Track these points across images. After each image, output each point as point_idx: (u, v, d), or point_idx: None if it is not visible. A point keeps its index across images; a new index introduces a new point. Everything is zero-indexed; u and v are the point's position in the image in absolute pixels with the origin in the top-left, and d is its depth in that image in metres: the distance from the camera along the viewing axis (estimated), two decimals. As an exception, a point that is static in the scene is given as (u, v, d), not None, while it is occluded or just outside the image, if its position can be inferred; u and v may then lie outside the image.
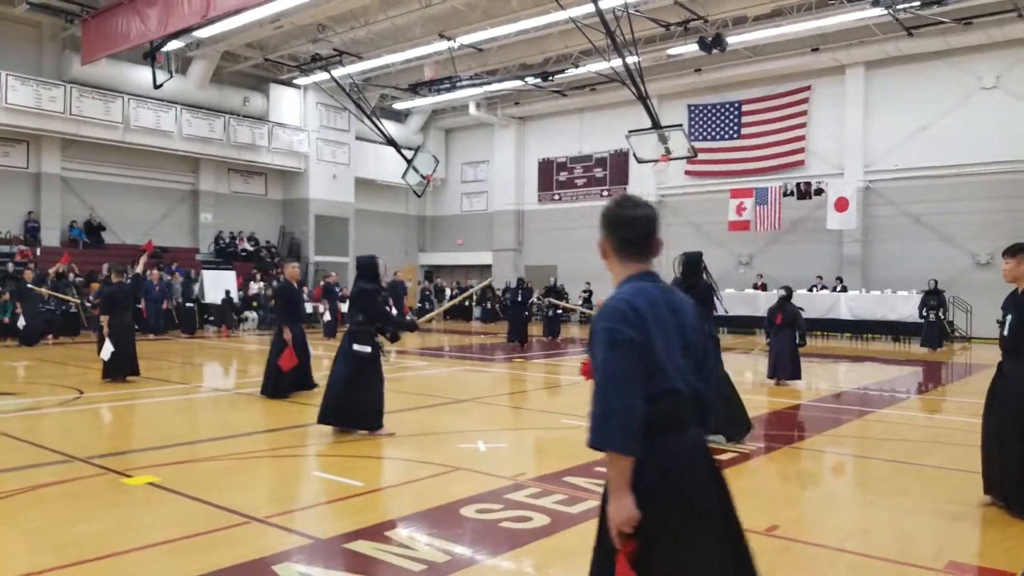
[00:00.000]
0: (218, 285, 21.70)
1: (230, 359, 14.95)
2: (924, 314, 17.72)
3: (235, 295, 21.81)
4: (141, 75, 21.71)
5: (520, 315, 18.22)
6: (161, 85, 20.63)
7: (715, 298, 7.66)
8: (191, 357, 14.88)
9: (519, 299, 18.41)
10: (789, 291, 11.35)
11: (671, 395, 2.23)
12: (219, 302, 21.28)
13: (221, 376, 12.77)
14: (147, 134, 22.47)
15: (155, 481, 5.39)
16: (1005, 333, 5.03)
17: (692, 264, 7.36)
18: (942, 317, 17.78)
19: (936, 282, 17.93)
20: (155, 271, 19.68)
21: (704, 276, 7.45)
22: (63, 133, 21.12)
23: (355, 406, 7.08)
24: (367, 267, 7.45)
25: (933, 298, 17.60)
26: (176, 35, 18.75)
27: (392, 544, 4.18)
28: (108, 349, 10.29)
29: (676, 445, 2.24)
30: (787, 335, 10.94)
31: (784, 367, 10.93)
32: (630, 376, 2.16)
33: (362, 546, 4.14)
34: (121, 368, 10.47)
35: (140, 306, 18.27)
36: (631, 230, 2.36)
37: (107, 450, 6.49)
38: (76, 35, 20.60)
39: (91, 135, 21.49)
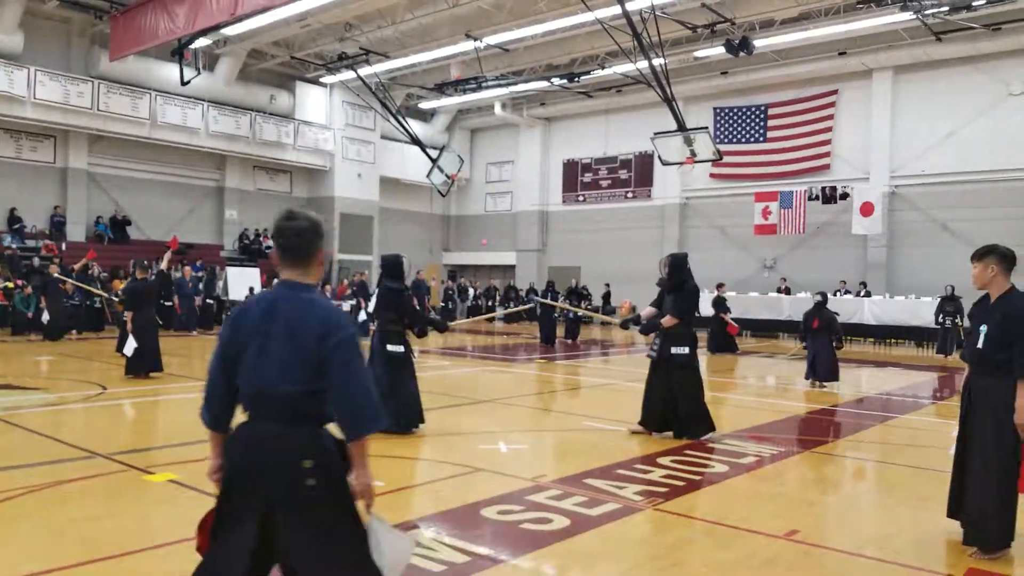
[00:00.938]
0: (242, 282, 21.89)
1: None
2: (940, 320, 17.36)
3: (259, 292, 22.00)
4: (168, 72, 21.97)
5: (550, 316, 18.65)
6: (188, 82, 20.86)
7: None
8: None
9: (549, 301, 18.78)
10: (825, 297, 11.84)
11: (242, 390, 2.60)
12: (243, 299, 21.44)
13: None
14: (174, 131, 22.72)
15: (176, 478, 5.45)
16: (979, 345, 4.36)
17: (677, 266, 7.39)
18: (958, 323, 17.38)
19: (953, 288, 17.52)
20: (187, 268, 19.93)
21: (691, 277, 7.49)
22: (90, 129, 21.42)
23: (398, 407, 7.08)
24: (392, 266, 7.45)
25: (949, 304, 17.16)
26: (204, 32, 18.95)
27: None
28: (131, 345, 10.41)
29: (240, 433, 2.60)
30: (823, 339, 11.40)
31: (823, 369, 11.33)
32: (214, 367, 2.65)
33: (382, 544, 4.15)
34: (144, 364, 10.59)
35: (172, 303, 18.57)
36: (282, 239, 2.63)
37: (129, 446, 6.58)
38: (105, 31, 20.89)
39: (118, 131, 21.76)
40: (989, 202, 20.73)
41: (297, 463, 2.48)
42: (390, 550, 2.54)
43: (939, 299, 17.82)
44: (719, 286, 18.09)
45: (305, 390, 2.50)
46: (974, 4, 16.99)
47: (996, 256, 4.38)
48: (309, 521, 2.48)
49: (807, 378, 11.57)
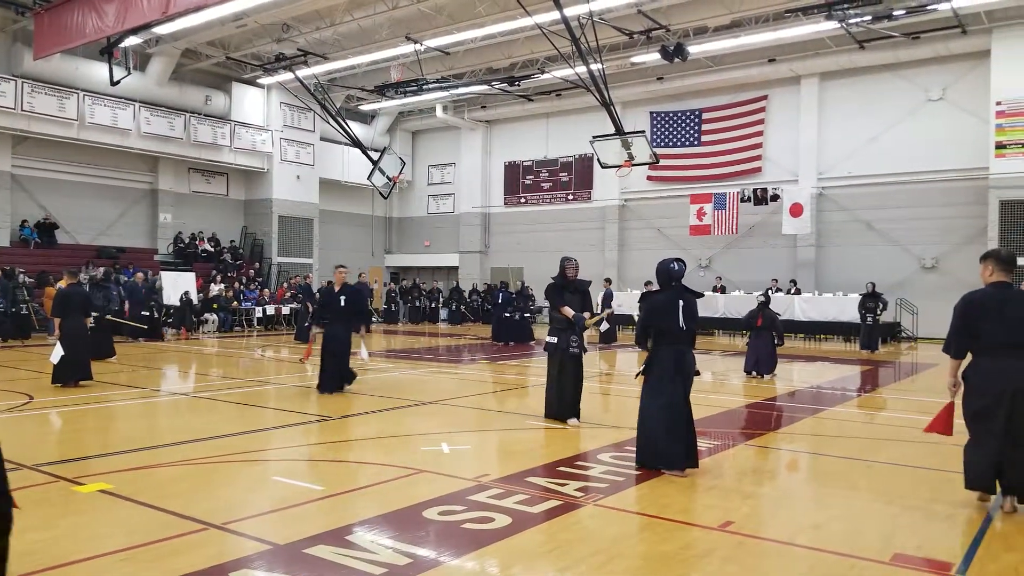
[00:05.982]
0: (177, 287, 21.33)
1: (189, 362, 14.72)
2: (863, 316, 17.87)
3: (195, 297, 21.47)
4: (97, 71, 21.27)
5: (502, 316, 19.14)
6: (118, 82, 20.19)
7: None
8: (149, 360, 14.61)
9: (500, 301, 19.02)
10: (768, 297, 13.11)
11: None
12: (178, 303, 20.91)
13: (179, 380, 12.57)
14: (103, 132, 22.01)
15: (108, 488, 5.30)
16: None
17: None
18: (879, 319, 17.81)
19: (873, 285, 18.16)
20: (139, 274, 19.31)
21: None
22: (14, 130, 20.55)
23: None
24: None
25: (871, 301, 17.72)
26: (134, 31, 18.38)
27: (353, 548, 4.20)
28: (58, 353, 10.07)
29: None
30: (766, 336, 12.41)
31: (765, 364, 12.34)
32: None
33: (322, 551, 4.14)
34: (72, 372, 10.26)
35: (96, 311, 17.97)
36: None
37: (57, 457, 6.38)
38: (28, 29, 20.06)
39: (44, 132, 20.98)
40: (910, 202, 21.75)
41: None
42: None
43: (860, 296, 18.45)
44: (606, 281, 18.91)
45: None
46: (894, 14, 17.72)
47: (993, 260, 5.24)
48: None
49: (746, 371, 12.46)
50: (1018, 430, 4.92)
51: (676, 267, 6.15)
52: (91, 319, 13.45)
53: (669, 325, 6.05)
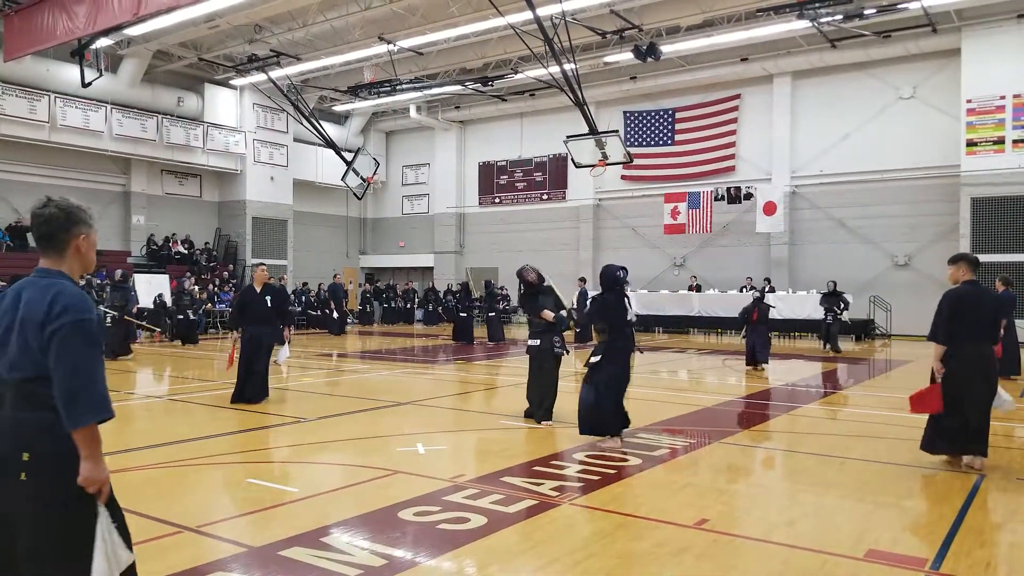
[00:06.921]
0: (151, 289, 21.08)
1: (163, 365, 14.56)
2: (824, 315, 17.77)
3: (168, 299, 21.20)
4: (69, 73, 20.95)
5: (468, 317, 19.18)
6: (89, 84, 19.89)
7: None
8: (123, 363, 14.43)
9: (458, 302, 19.01)
10: (762, 293, 14.03)
11: None
12: (151, 306, 20.62)
13: (154, 382, 12.43)
14: (75, 134, 21.70)
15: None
16: None
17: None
18: (839, 317, 17.67)
19: (835, 283, 18.21)
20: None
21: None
22: (-17, 132, 20.22)
23: None
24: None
25: (831, 299, 17.69)
26: (105, 33, 18.12)
27: (329, 550, 4.19)
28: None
29: None
30: (762, 329, 13.46)
31: (763, 354, 13.31)
32: None
33: (298, 553, 4.13)
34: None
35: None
36: (32, 227, 2.65)
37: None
38: (-3, 30, 19.75)
39: (15, 134, 20.64)
40: (882, 200, 22.05)
41: (10, 455, 2.45)
42: (103, 554, 2.49)
43: (821, 295, 18.43)
44: (580, 280, 19.24)
45: (32, 376, 2.47)
46: (865, 13, 17.94)
47: (965, 262, 6.32)
48: (25, 519, 2.46)
49: (748, 363, 13.31)
50: (986, 401, 6.10)
51: (622, 274, 7.17)
52: (108, 318, 13.29)
53: (619, 320, 7.03)
